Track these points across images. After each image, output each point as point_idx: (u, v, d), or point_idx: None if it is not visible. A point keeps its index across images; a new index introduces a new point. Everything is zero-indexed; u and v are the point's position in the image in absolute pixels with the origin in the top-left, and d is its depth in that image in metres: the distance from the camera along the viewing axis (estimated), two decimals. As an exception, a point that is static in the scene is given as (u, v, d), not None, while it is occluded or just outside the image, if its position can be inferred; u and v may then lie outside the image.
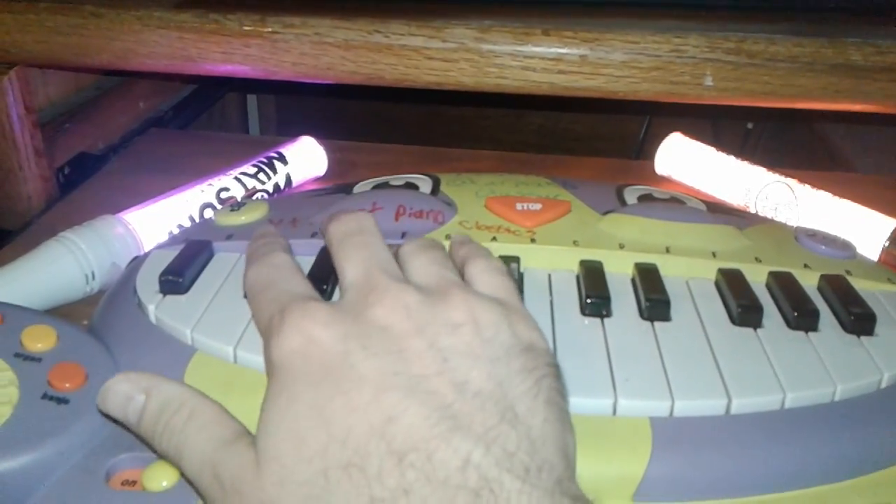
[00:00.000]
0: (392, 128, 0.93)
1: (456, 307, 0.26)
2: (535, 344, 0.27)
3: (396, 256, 0.30)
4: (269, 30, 0.47)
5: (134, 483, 0.28)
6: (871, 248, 0.46)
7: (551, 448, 0.24)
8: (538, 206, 0.41)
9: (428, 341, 0.25)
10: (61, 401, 0.30)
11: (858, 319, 0.34)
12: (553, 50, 0.45)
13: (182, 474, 0.26)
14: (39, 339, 0.32)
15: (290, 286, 0.29)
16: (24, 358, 0.31)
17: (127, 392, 0.27)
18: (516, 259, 0.37)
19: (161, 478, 0.27)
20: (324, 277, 0.34)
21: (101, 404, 0.28)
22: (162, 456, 0.27)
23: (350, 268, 0.28)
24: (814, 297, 0.35)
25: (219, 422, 0.26)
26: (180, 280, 0.35)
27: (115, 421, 0.28)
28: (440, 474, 0.22)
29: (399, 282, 0.27)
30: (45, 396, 0.30)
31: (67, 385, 0.30)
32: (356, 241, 0.29)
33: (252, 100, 0.95)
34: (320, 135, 0.58)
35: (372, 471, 0.22)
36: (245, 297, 0.34)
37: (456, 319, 0.26)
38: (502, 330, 0.26)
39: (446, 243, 0.34)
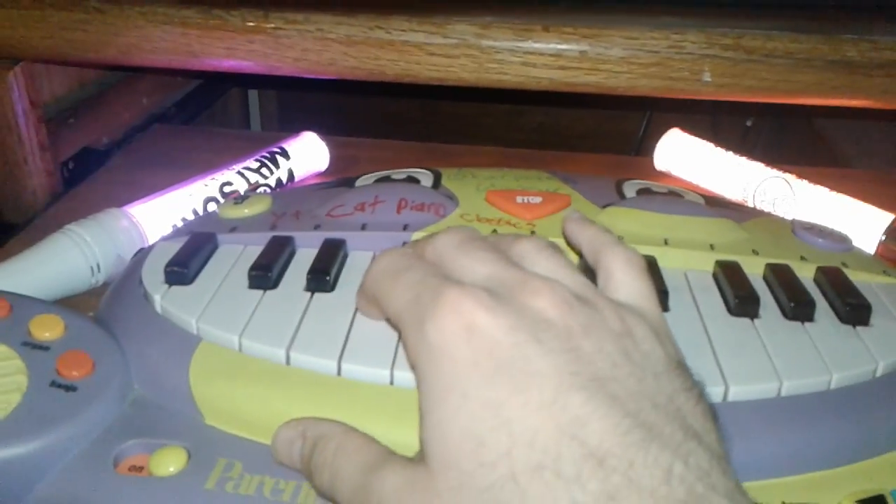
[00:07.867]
0: (393, 124, 0.94)
1: (609, 316, 0.25)
2: (683, 361, 0.26)
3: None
4: (272, 26, 0.47)
5: (141, 469, 0.28)
6: (867, 241, 0.46)
7: (731, 469, 0.22)
8: (538, 200, 0.41)
9: (596, 344, 0.23)
10: (69, 388, 0.30)
11: (854, 310, 0.34)
12: (553, 46, 0.46)
13: None
14: (47, 329, 0.33)
15: (433, 271, 0.26)
16: (32, 346, 0.32)
17: (289, 438, 0.27)
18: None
19: (168, 463, 0.28)
20: (327, 269, 0.35)
21: (275, 456, 0.28)
22: (321, 494, 0.26)
23: (480, 266, 0.26)
24: (810, 289, 0.36)
25: (364, 449, 0.25)
26: (186, 271, 0.35)
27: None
28: (644, 482, 0.20)
29: (546, 277, 0.25)
30: (53, 384, 0.30)
31: (75, 373, 0.31)
32: (476, 245, 0.27)
33: (254, 95, 0.95)
34: (321, 131, 0.58)
35: (568, 473, 0.21)
36: (364, 286, 0.30)
37: (614, 327, 0.24)
38: (656, 346, 0.25)
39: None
